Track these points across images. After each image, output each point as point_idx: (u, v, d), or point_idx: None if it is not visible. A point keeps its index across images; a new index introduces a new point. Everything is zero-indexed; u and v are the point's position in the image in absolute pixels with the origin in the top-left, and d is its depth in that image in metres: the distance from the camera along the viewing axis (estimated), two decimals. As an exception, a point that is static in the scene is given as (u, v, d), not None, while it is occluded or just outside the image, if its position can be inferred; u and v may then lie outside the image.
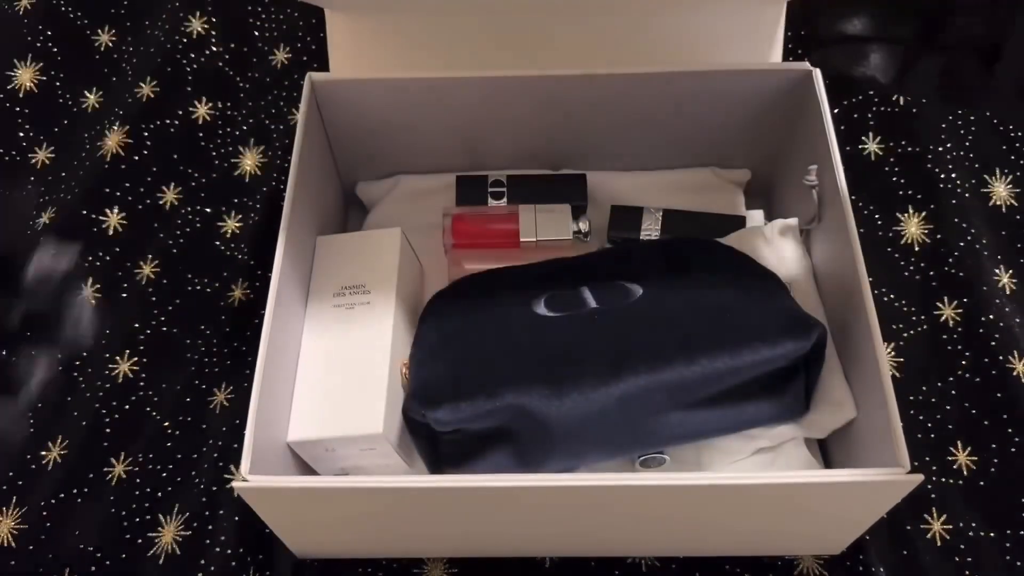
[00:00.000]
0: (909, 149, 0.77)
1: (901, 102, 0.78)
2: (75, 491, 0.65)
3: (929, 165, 0.76)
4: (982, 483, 0.64)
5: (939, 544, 0.62)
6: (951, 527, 0.63)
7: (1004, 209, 0.74)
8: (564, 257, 0.67)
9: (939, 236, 0.73)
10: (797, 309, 0.57)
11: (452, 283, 0.65)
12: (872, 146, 0.77)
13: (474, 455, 0.56)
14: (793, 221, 0.67)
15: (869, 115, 0.78)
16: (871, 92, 0.79)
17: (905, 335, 0.70)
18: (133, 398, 0.69)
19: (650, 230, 0.70)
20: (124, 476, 0.66)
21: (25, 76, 0.81)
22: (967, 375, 0.68)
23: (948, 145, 0.77)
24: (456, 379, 0.54)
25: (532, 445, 0.55)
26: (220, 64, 0.82)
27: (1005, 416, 0.66)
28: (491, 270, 0.65)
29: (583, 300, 0.58)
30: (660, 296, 0.57)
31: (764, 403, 0.57)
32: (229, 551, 0.63)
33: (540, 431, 0.54)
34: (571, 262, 0.64)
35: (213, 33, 0.83)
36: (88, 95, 0.82)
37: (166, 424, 0.68)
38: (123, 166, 0.78)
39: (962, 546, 0.62)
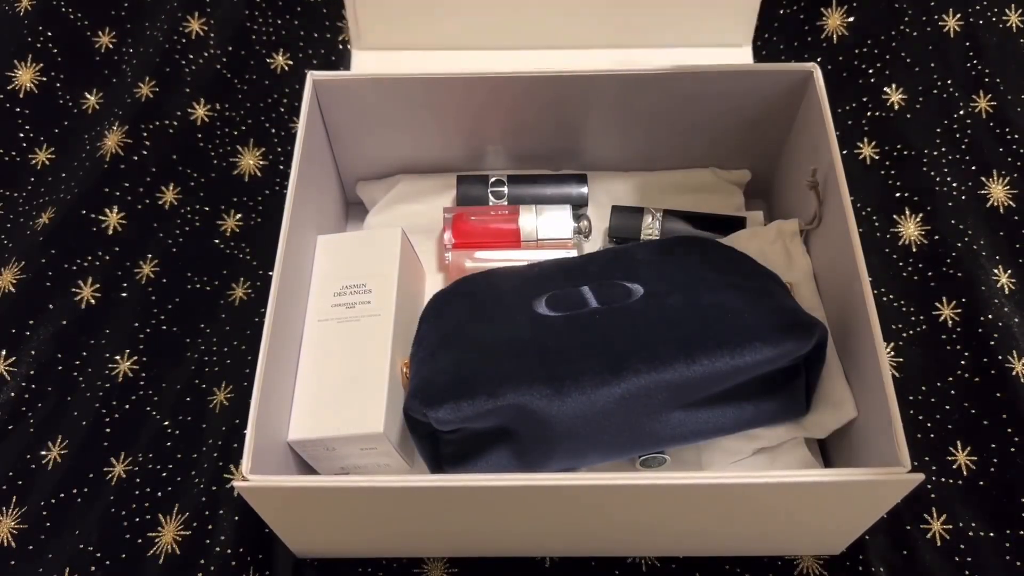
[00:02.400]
0: (904, 153, 0.77)
1: (896, 106, 0.78)
2: (75, 491, 0.65)
3: (924, 168, 0.76)
4: (982, 483, 0.64)
5: (939, 544, 0.62)
6: (951, 527, 0.63)
7: (1002, 210, 0.74)
8: (565, 257, 0.67)
9: (936, 237, 0.73)
10: (798, 309, 0.57)
11: (452, 283, 0.64)
12: (867, 151, 0.77)
13: (475, 454, 0.56)
14: (793, 222, 0.67)
15: (863, 121, 0.79)
16: (865, 99, 0.79)
17: (904, 335, 0.70)
18: (133, 398, 0.69)
19: (650, 230, 0.70)
20: (124, 476, 0.66)
21: (25, 77, 0.81)
22: (966, 375, 0.68)
23: (943, 149, 0.77)
24: (457, 378, 0.54)
25: (533, 445, 0.55)
26: (218, 66, 0.82)
27: (1005, 416, 0.66)
28: (491, 270, 0.65)
29: (584, 300, 0.58)
30: (661, 296, 0.57)
31: (765, 403, 0.57)
32: (229, 551, 0.63)
33: (541, 431, 0.54)
34: (572, 262, 0.64)
35: (212, 35, 0.83)
36: (88, 96, 0.82)
37: (166, 424, 0.68)
38: (122, 166, 0.78)
39: (962, 546, 0.62)
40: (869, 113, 0.79)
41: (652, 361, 0.53)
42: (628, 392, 0.53)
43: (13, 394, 0.69)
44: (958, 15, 0.80)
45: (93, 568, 0.62)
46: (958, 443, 0.65)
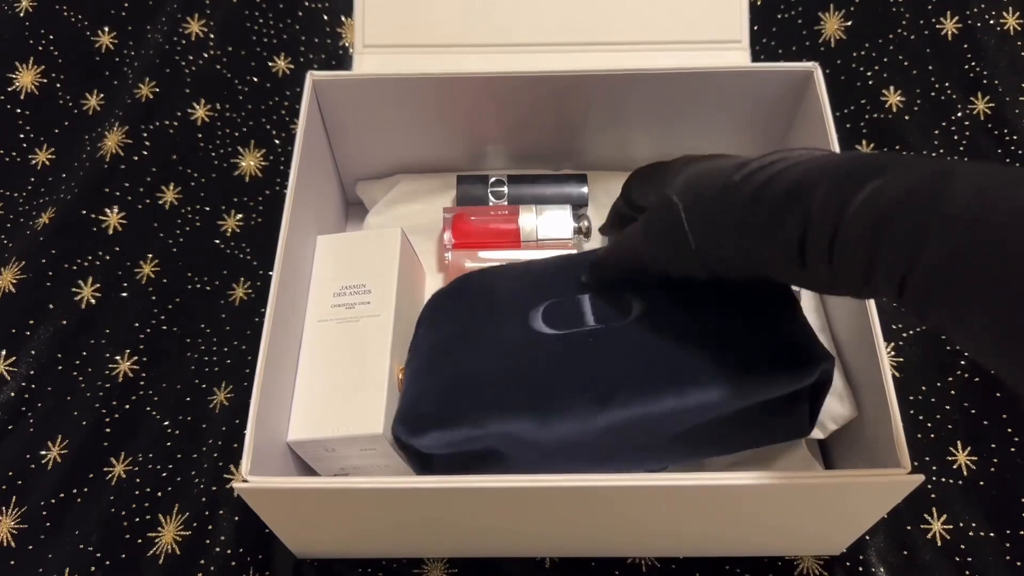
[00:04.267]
0: (903, 154, 0.77)
1: (894, 109, 0.78)
2: (75, 491, 0.65)
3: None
4: (982, 483, 0.64)
5: (939, 544, 0.62)
6: (951, 527, 0.63)
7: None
8: (568, 253, 0.66)
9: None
10: (805, 334, 0.53)
11: (451, 281, 0.64)
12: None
13: (467, 471, 0.54)
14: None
15: (862, 123, 0.79)
16: (863, 101, 0.79)
17: (904, 335, 0.70)
18: (133, 398, 0.69)
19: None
20: (124, 476, 0.66)
21: (26, 79, 0.81)
22: (967, 375, 0.68)
23: (942, 151, 0.77)
24: (443, 406, 0.53)
25: (524, 464, 0.54)
26: (218, 67, 0.82)
27: (1005, 416, 0.66)
28: (491, 268, 0.65)
29: (582, 314, 0.56)
30: (660, 315, 0.55)
31: (765, 426, 0.55)
32: (229, 551, 0.63)
33: (531, 453, 0.53)
34: (573, 260, 0.63)
35: (212, 36, 0.83)
36: (89, 97, 0.82)
37: (166, 424, 0.68)
38: (123, 166, 0.78)
39: (962, 546, 0.62)
40: (867, 116, 0.79)
41: (642, 395, 0.51)
42: (613, 426, 0.51)
43: (13, 394, 0.69)
44: (956, 17, 0.80)
45: (93, 568, 0.62)
46: (958, 443, 0.65)
